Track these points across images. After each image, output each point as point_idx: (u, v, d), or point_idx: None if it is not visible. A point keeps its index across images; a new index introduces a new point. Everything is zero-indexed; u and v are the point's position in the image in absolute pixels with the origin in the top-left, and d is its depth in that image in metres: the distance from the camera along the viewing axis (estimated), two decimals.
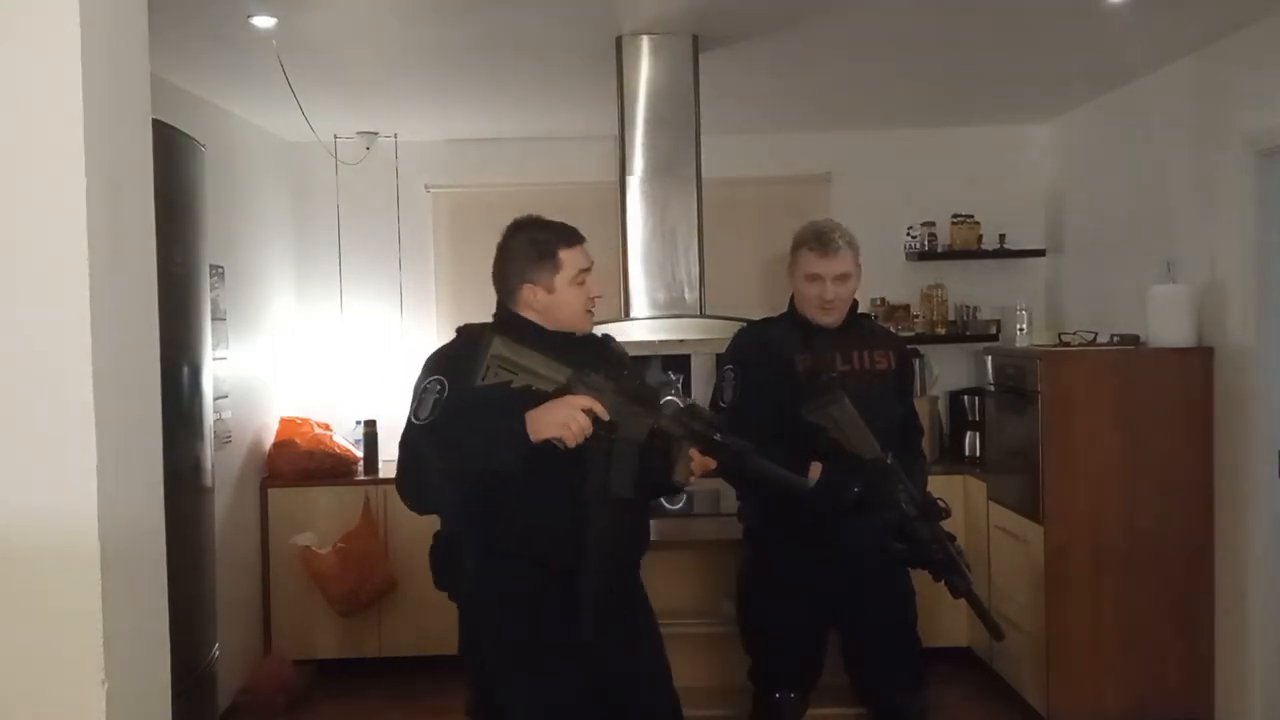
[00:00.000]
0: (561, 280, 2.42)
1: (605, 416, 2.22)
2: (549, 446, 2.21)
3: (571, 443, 2.20)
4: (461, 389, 2.25)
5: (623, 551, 2.42)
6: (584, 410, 2.20)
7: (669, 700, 2.55)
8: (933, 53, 4.10)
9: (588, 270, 2.44)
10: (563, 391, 2.24)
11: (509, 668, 2.39)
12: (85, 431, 1.51)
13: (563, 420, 2.19)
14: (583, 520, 2.27)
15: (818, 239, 2.96)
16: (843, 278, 2.94)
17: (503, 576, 2.37)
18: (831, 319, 2.97)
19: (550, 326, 2.43)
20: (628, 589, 2.52)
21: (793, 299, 3.08)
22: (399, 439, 2.36)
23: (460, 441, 2.24)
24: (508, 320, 2.45)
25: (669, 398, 2.29)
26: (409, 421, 2.33)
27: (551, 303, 2.43)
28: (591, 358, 2.35)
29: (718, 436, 2.28)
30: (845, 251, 2.95)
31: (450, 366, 2.32)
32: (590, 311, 2.47)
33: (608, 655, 2.39)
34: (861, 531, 2.78)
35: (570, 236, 2.47)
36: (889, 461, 2.73)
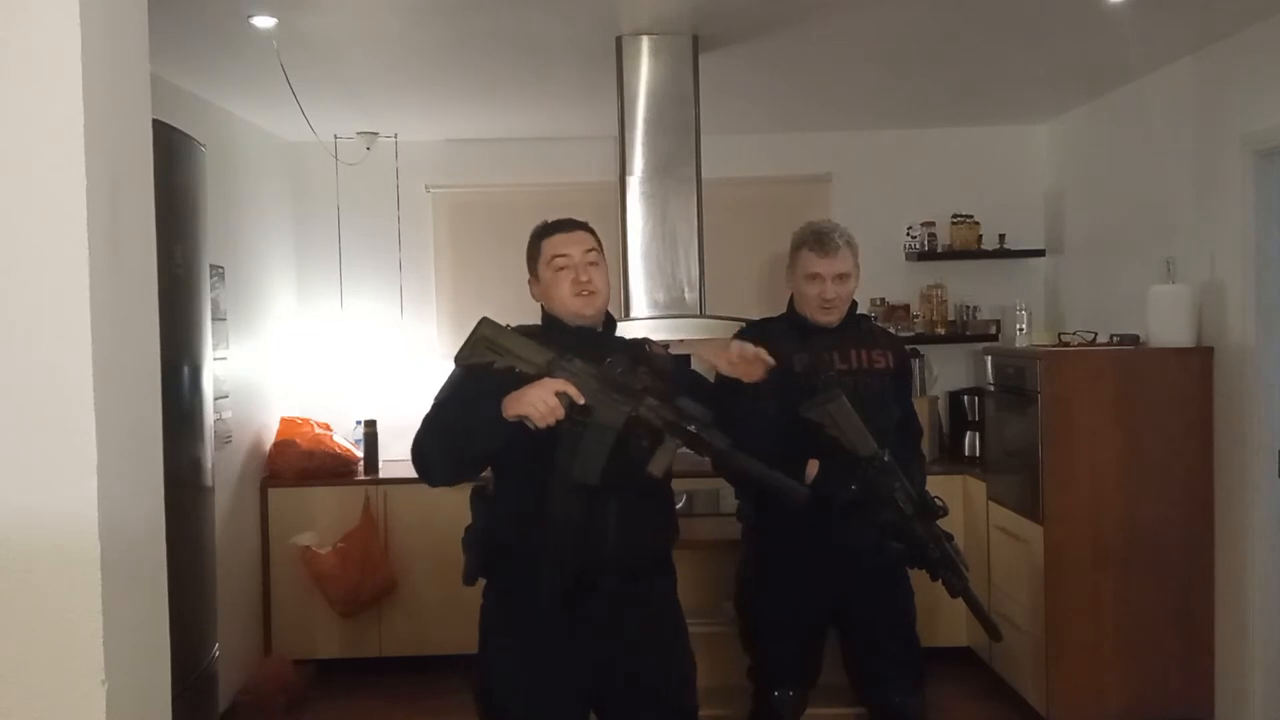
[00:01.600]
0: (543, 267, 2.49)
1: (580, 400, 2.21)
2: (533, 434, 2.21)
3: (540, 423, 2.19)
4: (481, 376, 2.30)
5: (629, 543, 2.36)
6: (557, 393, 2.20)
7: (680, 708, 2.51)
8: (933, 53, 4.10)
9: (565, 255, 2.46)
10: (542, 374, 2.24)
11: (506, 664, 2.40)
12: (85, 432, 1.51)
13: (531, 399, 2.19)
14: (545, 507, 2.26)
15: (817, 239, 2.98)
16: (842, 277, 2.96)
17: (491, 565, 2.42)
18: (831, 318, 2.98)
19: (566, 319, 2.47)
20: (640, 584, 2.43)
21: (792, 299, 3.09)
22: None
23: (450, 420, 2.31)
24: (545, 319, 2.53)
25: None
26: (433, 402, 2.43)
27: (543, 292, 2.51)
28: (619, 355, 2.32)
29: (692, 428, 2.23)
30: (844, 251, 2.96)
31: None
32: (582, 296, 2.45)
33: (603, 653, 2.38)
34: (859, 530, 2.78)
35: (552, 226, 2.53)
36: (886, 459, 2.74)
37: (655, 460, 2.25)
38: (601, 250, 2.53)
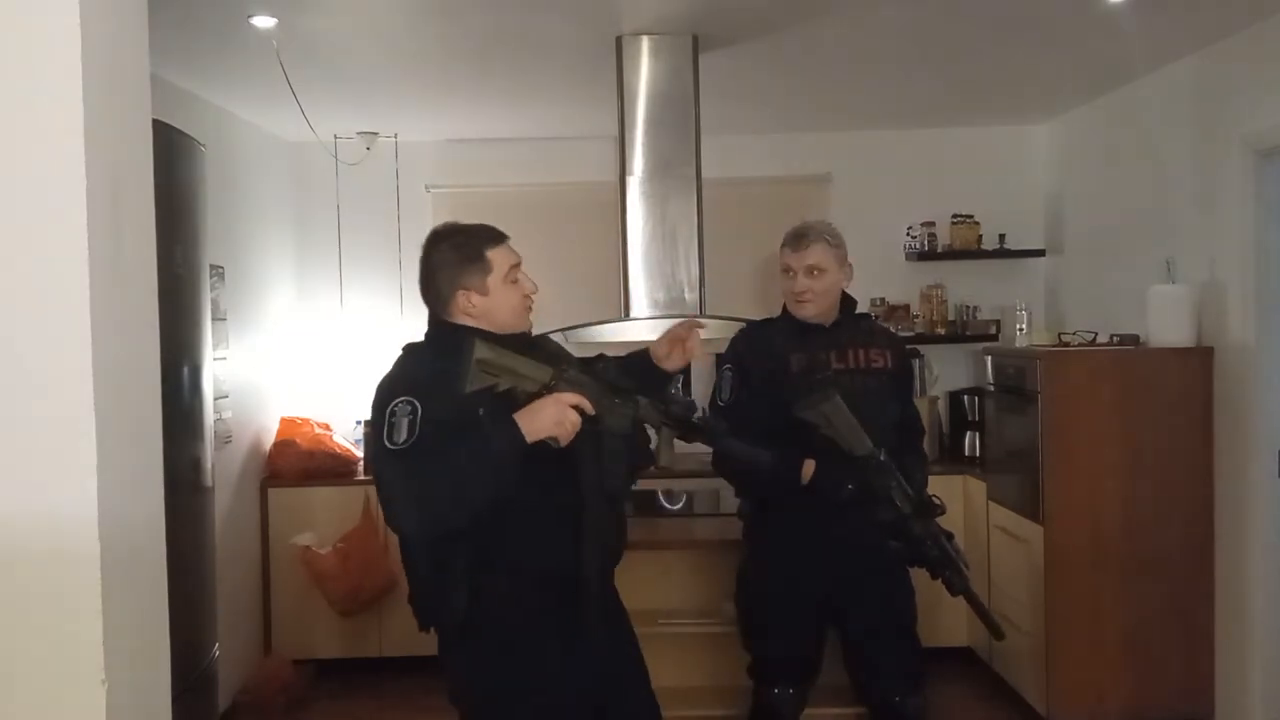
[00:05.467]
0: (494, 281, 2.38)
1: (591, 411, 2.23)
2: (535, 453, 2.18)
3: (565, 441, 2.19)
4: (435, 406, 2.18)
5: (612, 549, 2.42)
6: (572, 406, 2.20)
7: (651, 701, 2.53)
8: (933, 53, 4.10)
9: (518, 266, 2.41)
10: (545, 390, 2.22)
11: (507, 669, 2.36)
12: (85, 431, 1.51)
13: (556, 419, 2.18)
14: (572, 521, 2.26)
15: (793, 235, 3.03)
16: (814, 269, 2.96)
17: (501, 594, 2.33)
18: (807, 311, 2.98)
19: (498, 329, 2.37)
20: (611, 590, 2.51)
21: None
22: (374, 469, 2.29)
23: (452, 459, 2.15)
24: (448, 332, 2.40)
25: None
26: (385, 449, 2.19)
27: (488, 305, 2.38)
28: (546, 356, 2.34)
29: (695, 418, 2.32)
30: (817, 245, 2.97)
31: (414, 386, 2.26)
32: (528, 308, 2.43)
33: (605, 654, 2.39)
34: (857, 530, 2.78)
35: (494, 236, 2.43)
36: (881, 459, 2.74)
37: (660, 451, 2.34)
38: None
